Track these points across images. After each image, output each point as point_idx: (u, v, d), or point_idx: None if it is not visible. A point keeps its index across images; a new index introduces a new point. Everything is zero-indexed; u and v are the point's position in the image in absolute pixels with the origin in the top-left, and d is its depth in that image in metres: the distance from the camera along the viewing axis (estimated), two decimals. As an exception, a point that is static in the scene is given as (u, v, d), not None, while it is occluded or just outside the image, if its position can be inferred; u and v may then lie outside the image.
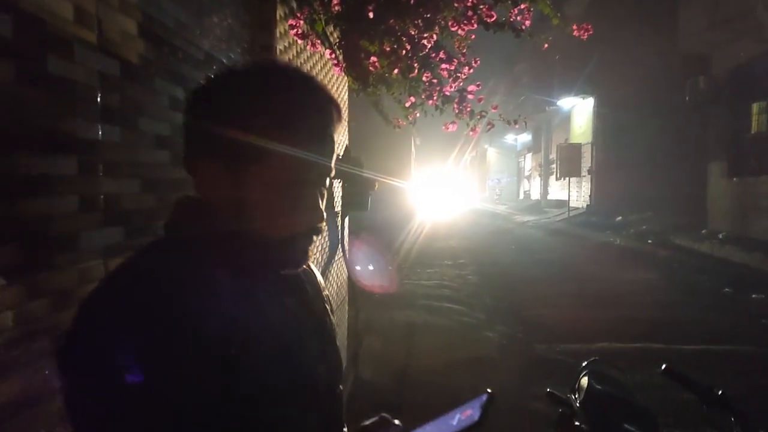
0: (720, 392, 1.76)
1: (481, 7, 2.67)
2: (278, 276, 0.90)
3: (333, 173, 0.90)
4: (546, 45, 3.30)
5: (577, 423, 2.45)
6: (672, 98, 15.85)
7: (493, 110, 3.15)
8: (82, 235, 1.30)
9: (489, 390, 0.82)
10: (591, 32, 3.39)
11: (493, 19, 2.72)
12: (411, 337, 5.84)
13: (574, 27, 3.28)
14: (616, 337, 6.05)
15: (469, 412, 0.75)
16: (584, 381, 2.52)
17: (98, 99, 1.22)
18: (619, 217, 17.49)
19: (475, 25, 2.72)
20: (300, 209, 0.84)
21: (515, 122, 3.11)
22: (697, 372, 1.84)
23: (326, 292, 1.10)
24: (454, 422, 0.74)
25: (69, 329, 0.70)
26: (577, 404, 2.48)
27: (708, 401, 1.77)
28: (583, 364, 2.61)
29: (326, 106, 0.86)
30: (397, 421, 1.06)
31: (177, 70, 1.77)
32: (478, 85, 3.20)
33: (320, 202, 0.88)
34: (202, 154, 0.83)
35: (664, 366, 1.90)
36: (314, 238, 0.90)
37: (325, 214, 0.89)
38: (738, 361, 5.27)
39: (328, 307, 1.06)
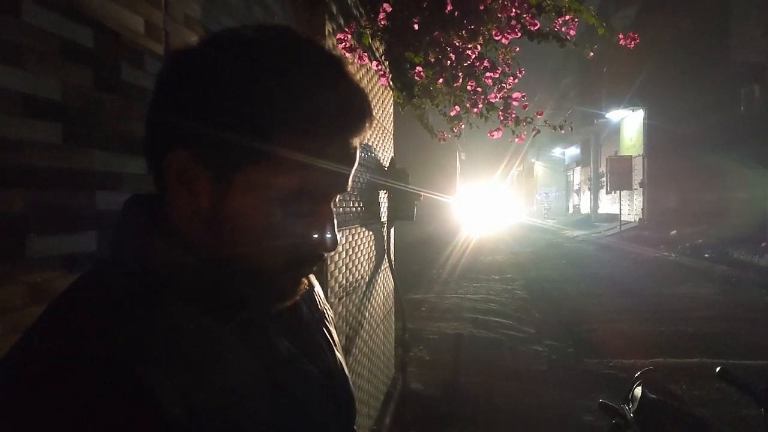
0: None
1: (525, 16, 2.70)
2: (267, 314, 0.71)
3: (348, 187, 0.70)
4: (592, 53, 3.30)
5: (630, 434, 2.42)
6: (726, 108, 15.37)
7: (538, 116, 3.17)
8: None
9: None
10: (638, 41, 3.37)
11: (536, 28, 2.74)
12: (458, 349, 5.81)
13: (620, 36, 3.27)
14: (670, 352, 5.88)
15: None
16: (638, 391, 2.49)
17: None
18: (673, 231, 16.96)
19: (519, 34, 2.74)
20: (308, 229, 0.65)
21: (561, 128, 3.11)
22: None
23: (329, 312, 0.91)
24: None
25: None
26: (631, 414, 2.45)
27: (765, 404, 1.74)
28: (637, 374, 2.58)
29: (355, 98, 0.65)
30: None
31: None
32: (523, 96, 3.22)
33: (334, 221, 0.69)
34: (178, 147, 0.61)
35: (719, 368, 1.87)
36: (314, 266, 0.71)
37: (338, 236, 0.70)
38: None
39: (329, 337, 0.84)
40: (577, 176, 35.78)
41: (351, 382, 0.85)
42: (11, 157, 0.86)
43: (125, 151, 1.13)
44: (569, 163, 38.87)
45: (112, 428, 0.49)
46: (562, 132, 3.13)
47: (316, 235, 0.66)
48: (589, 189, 30.95)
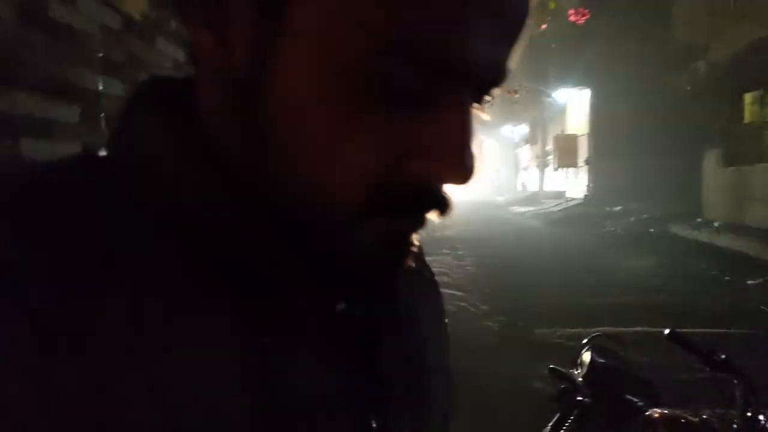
0: (723, 356, 1.78)
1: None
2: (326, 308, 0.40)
3: (505, 71, 0.37)
4: (544, 25, 3.31)
5: (579, 398, 2.49)
6: (669, 88, 15.88)
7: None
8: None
9: None
10: (588, 16, 3.39)
11: None
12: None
13: (571, 12, 3.28)
14: (616, 321, 6.09)
15: None
16: (586, 356, 2.57)
17: (100, 51, 1.22)
18: (617, 207, 17.55)
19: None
20: (421, 139, 0.34)
21: (515, 92, 3.13)
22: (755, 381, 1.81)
23: (446, 345, 0.55)
24: None
25: None
26: (579, 378, 2.52)
27: (712, 365, 1.79)
28: (584, 341, 2.66)
29: None
30: None
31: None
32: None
33: (470, 131, 0.36)
34: None
35: (668, 330, 1.92)
36: (423, 222, 0.39)
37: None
38: (737, 342, 5.31)
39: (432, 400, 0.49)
40: (526, 154, 36.50)
41: None
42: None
43: (53, 95, 1.03)
44: (518, 141, 39.58)
45: None
46: (517, 96, 3.15)
47: (436, 154, 0.35)
48: (537, 167, 31.61)
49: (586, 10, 2.83)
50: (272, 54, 0.33)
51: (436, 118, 0.34)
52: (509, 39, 0.36)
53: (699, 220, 13.62)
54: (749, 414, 1.68)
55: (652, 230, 14.16)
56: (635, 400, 2.16)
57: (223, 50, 0.34)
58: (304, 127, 0.33)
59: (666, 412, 1.93)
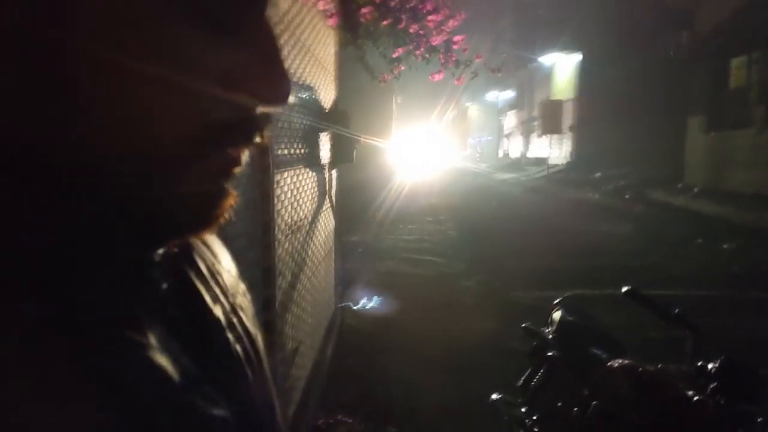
0: (677, 310, 1.94)
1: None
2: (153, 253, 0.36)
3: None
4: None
5: (550, 353, 2.67)
6: (655, 53, 15.97)
7: (477, 59, 3.29)
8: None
9: None
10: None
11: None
12: (393, 286, 6.04)
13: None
14: (590, 284, 6.30)
15: None
16: (557, 315, 2.73)
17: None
18: (599, 173, 17.78)
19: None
20: (232, 57, 0.32)
21: (499, 70, 3.25)
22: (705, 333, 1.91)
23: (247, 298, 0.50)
24: None
25: None
26: (550, 336, 2.70)
27: (667, 319, 1.95)
28: (556, 301, 2.83)
29: None
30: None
31: None
32: (463, 38, 3.31)
33: (276, 43, 0.35)
34: None
35: (626, 288, 2.08)
36: (250, 140, 0.36)
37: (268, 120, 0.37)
38: (706, 303, 5.52)
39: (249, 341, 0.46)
40: (510, 120, 36.46)
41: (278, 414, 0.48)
42: None
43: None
44: (502, 107, 39.45)
45: None
46: (500, 75, 3.27)
47: (251, 69, 0.33)
48: (522, 134, 31.67)
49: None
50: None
51: (245, 41, 0.33)
52: None
53: (680, 185, 13.89)
54: (699, 364, 1.83)
55: (628, 196, 14.42)
56: (599, 353, 2.29)
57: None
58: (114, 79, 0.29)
59: (625, 362, 2.07)
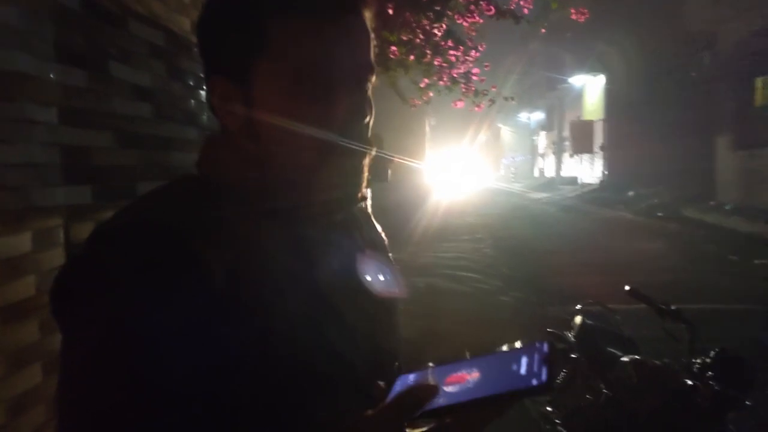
0: (674, 307, 2.16)
1: (481, 2, 3.11)
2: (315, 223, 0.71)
3: (368, 68, 0.68)
4: (543, 30, 3.73)
5: (573, 356, 2.89)
6: (679, 74, 15.98)
7: (492, 89, 3.62)
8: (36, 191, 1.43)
9: (547, 343, 0.59)
10: (587, 15, 3.74)
11: (491, 13, 3.15)
12: (432, 301, 6.24)
13: (572, 11, 3.65)
14: (626, 299, 6.39)
15: (526, 363, 0.58)
16: (578, 319, 2.96)
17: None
18: (631, 192, 17.70)
19: (478, 18, 3.16)
20: (328, 119, 0.64)
21: (513, 98, 3.57)
22: (700, 327, 2.10)
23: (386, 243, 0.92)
24: (521, 370, 0.58)
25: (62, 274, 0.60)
26: (572, 338, 2.92)
27: (665, 315, 2.17)
28: (577, 307, 3.05)
29: None
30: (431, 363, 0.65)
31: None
32: (486, 66, 3.63)
33: (364, 110, 0.68)
34: (209, 67, 0.68)
35: (628, 287, 2.29)
36: (363, 161, 0.70)
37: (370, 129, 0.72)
38: (738, 317, 5.56)
39: (385, 264, 0.84)
40: (542, 140, 36.39)
41: (400, 322, 0.89)
42: (127, 126, 1.23)
43: (188, 123, 1.51)
44: (534, 127, 39.42)
45: (161, 284, 0.56)
46: (513, 102, 3.58)
47: (346, 121, 0.65)
48: (554, 153, 31.59)
49: (585, 10, 3.15)
50: (250, 94, 0.65)
51: (348, 99, 0.66)
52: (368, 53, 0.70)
53: (712, 203, 13.80)
54: (698, 360, 2.00)
55: (661, 214, 14.33)
56: (615, 351, 2.49)
57: (230, 107, 0.67)
58: (279, 119, 0.64)
59: (636, 357, 2.28)
